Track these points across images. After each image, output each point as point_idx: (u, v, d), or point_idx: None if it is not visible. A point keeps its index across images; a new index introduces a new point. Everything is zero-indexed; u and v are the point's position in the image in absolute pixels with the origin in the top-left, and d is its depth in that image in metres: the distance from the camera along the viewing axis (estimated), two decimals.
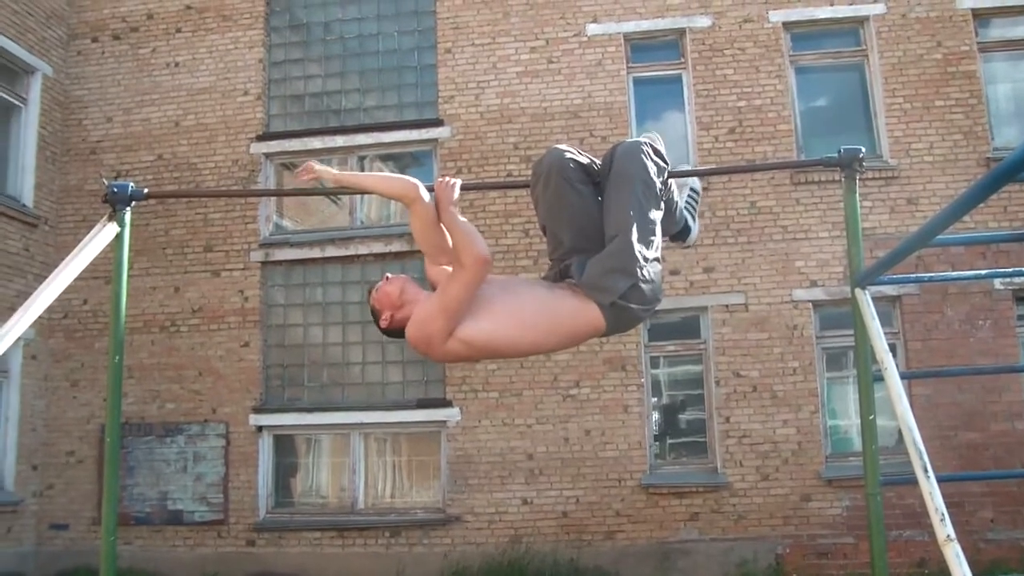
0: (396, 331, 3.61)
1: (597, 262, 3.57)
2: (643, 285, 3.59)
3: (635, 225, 3.58)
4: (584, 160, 3.77)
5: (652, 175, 3.69)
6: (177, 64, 13.89)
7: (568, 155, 3.73)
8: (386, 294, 3.58)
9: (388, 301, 3.58)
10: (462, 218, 3.61)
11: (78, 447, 13.01)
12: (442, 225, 3.64)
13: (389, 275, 3.68)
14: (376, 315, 3.63)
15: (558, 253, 3.73)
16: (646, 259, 3.59)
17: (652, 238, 3.65)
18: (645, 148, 3.73)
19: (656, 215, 3.70)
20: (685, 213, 4.21)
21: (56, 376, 13.28)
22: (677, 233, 4.23)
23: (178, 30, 14.00)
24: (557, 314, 3.55)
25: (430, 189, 3.73)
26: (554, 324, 3.56)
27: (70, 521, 12.79)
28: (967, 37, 12.37)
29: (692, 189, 4.33)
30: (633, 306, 3.60)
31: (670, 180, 3.91)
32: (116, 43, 14.12)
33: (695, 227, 4.32)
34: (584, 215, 3.65)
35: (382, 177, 3.71)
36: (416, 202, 3.62)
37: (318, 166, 3.85)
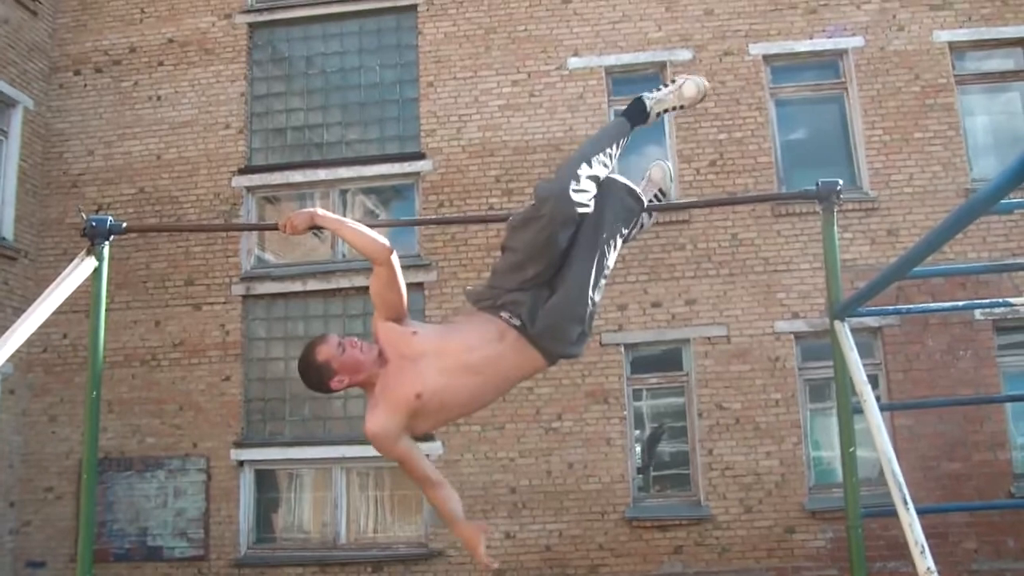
0: (328, 390, 3.63)
1: (554, 314, 3.56)
2: (588, 333, 3.69)
3: (596, 278, 3.63)
4: (586, 210, 3.64)
5: (624, 227, 3.81)
6: (159, 97, 13.88)
7: (576, 204, 3.56)
8: (355, 361, 3.56)
9: (353, 368, 3.57)
10: (352, 223, 3.73)
11: (56, 483, 12.88)
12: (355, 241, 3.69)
13: (337, 339, 3.62)
14: (328, 374, 3.57)
15: (511, 282, 3.62)
16: (595, 305, 3.66)
17: (604, 283, 3.72)
18: (629, 203, 3.82)
19: (613, 259, 3.76)
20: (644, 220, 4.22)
21: (34, 411, 13.16)
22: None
23: (160, 63, 14.01)
24: (502, 373, 3.62)
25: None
26: (500, 381, 3.65)
27: (47, 559, 12.64)
28: (944, 70, 12.50)
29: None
30: (571, 350, 3.68)
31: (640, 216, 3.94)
32: (98, 76, 14.12)
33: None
34: (559, 254, 3.63)
35: (359, 232, 3.68)
36: (385, 265, 3.61)
37: (297, 220, 3.80)
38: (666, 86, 4.02)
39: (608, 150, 3.74)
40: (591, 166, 3.64)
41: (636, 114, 3.95)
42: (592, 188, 3.60)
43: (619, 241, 3.79)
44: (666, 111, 4.01)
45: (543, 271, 3.60)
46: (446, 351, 3.54)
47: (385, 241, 3.63)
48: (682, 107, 4.01)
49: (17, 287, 12.99)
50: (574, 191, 3.51)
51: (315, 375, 3.57)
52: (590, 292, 3.60)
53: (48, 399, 13.16)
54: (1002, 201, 2.27)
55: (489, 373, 3.56)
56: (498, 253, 3.76)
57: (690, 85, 3.99)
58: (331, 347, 3.55)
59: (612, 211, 3.73)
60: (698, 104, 4.08)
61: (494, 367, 3.56)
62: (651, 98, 3.95)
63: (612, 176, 3.81)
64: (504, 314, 3.58)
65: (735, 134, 12.61)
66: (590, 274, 3.60)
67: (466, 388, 3.55)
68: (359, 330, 12.67)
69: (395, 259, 3.61)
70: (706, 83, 4.03)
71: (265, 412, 12.99)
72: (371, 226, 3.72)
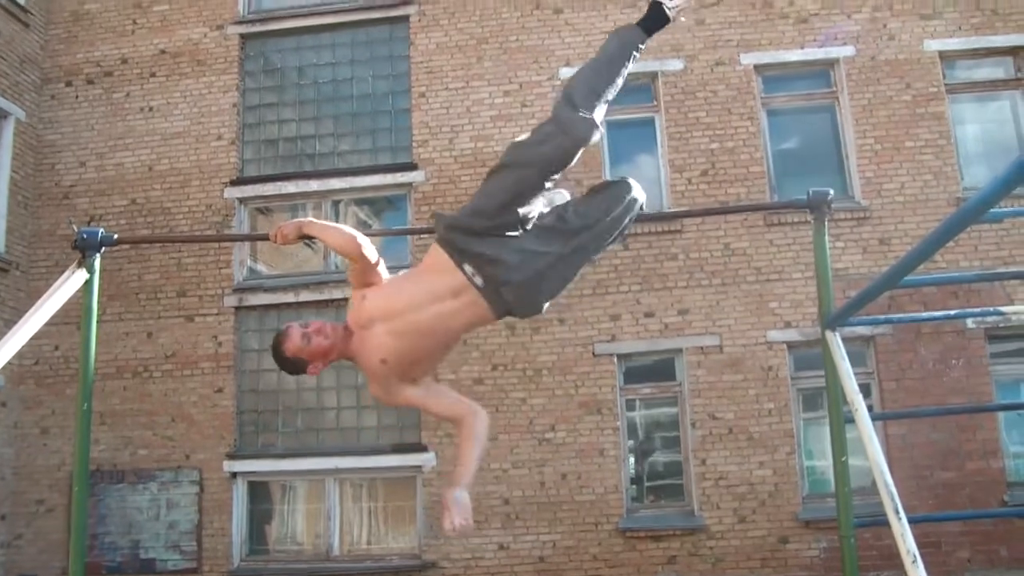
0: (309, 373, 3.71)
1: (536, 290, 3.59)
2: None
3: (581, 264, 3.75)
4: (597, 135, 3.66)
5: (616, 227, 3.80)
6: (151, 109, 13.87)
7: (594, 128, 3.61)
8: (322, 348, 3.60)
9: (323, 354, 3.62)
10: (333, 226, 3.76)
11: (48, 495, 12.83)
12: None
13: (305, 330, 3.64)
14: (302, 366, 3.65)
15: (491, 216, 3.53)
16: None
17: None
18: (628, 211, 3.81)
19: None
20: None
21: (26, 423, 13.12)
22: None
23: (152, 75, 14.00)
24: (453, 328, 3.62)
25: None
26: (452, 335, 3.67)
27: (39, 571, 12.57)
28: (935, 79, 12.54)
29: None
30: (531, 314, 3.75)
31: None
32: (90, 87, 14.11)
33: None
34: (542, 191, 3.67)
35: (330, 231, 3.69)
36: (358, 260, 3.61)
37: (287, 229, 3.79)
38: None
39: (619, 69, 3.67)
40: (600, 92, 3.61)
41: (654, 20, 3.76)
42: (599, 116, 3.60)
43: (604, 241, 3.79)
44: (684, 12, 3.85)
45: (530, 210, 3.56)
46: (393, 313, 3.53)
47: (354, 234, 3.61)
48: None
49: (8, 299, 12.95)
50: (584, 118, 3.54)
51: (290, 368, 3.66)
52: (575, 274, 3.67)
53: (40, 411, 13.12)
54: (992, 210, 2.27)
55: (440, 330, 3.55)
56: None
57: None
58: (295, 341, 3.59)
59: (610, 212, 3.73)
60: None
61: (444, 324, 3.54)
62: (674, 5, 3.74)
63: (619, 182, 3.82)
64: (468, 268, 3.51)
65: (727, 144, 12.64)
66: (580, 260, 3.65)
67: (422, 346, 3.55)
68: None
69: (365, 249, 3.58)
70: None
71: (258, 424, 12.96)
72: (366, 235, 3.72)
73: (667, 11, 3.72)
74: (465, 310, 3.54)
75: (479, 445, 3.55)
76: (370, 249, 3.58)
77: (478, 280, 3.49)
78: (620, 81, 3.65)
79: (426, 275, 3.63)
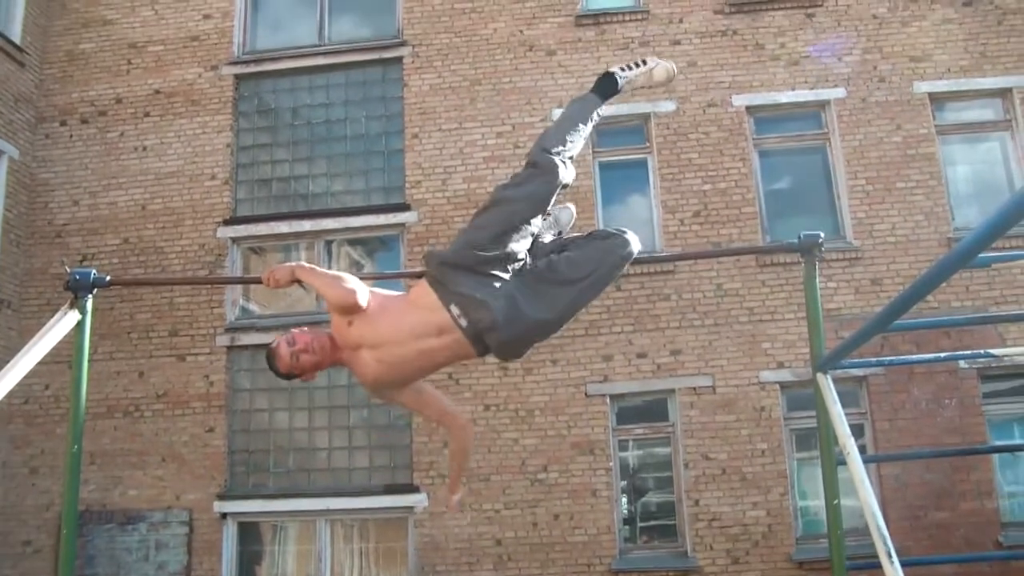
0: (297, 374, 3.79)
1: (524, 336, 3.68)
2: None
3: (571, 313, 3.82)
4: (567, 180, 3.88)
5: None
6: (145, 148, 13.91)
7: (561, 176, 3.83)
8: (313, 363, 3.75)
9: (314, 366, 3.76)
10: (327, 274, 3.85)
11: (35, 536, 12.71)
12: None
13: (287, 349, 3.73)
14: (296, 377, 3.77)
15: (480, 252, 3.60)
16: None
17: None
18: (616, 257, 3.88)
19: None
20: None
21: (15, 463, 13.03)
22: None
23: (146, 114, 14.05)
24: (436, 361, 3.76)
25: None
26: (434, 365, 3.80)
27: None
28: (925, 120, 12.63)
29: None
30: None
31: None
32: (84, 127, 14.15)
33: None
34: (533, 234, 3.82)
35: (328, 284, 3.73)
36: (354, 314, 3.68)
37: (279, 274, 3.86)
38: (638, 66, 4.10)
39: (582, 126, 3.90)
40: (567, 143, 3.84)
41: (607, 89, 4.02)
42: (570, 165, 3.83)
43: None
44: (632, 86, 4.13)
45: (520, 248, 3.65)
46: (379, 343, 3.63)
47: (351, 289, 3.64)
48: (649, 87, 4.20)
49: (0, 337, 12.91)
50: (560, 162, 3.76)
51: (285, 379, 3.80)
52: (560, 327, 3.74)
53: (28, 451, 13.03)
54: (982, 255, 2.28)
55: (425, 362, 3.69)
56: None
57: (660, 70, 4.13)
58: (285, 361, 3.71)
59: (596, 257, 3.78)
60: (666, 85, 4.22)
61: (429, 358, 3.67)
62: (623, 76, 4.02)
63: (615, 236, 3.89)
64: (454, 310, 3.57)
65: (719, 184, 12.69)
66: (567, 312, 3.70)
67: (408, 373, 3.72)
68: (344, 381, 12.61)
69: (360, 299, 3.64)
70: (675, 68, 4.17)
71: (249, 464, 12.88)
72: (361, 278, 3.74)
73: (618, 80, 3.99)
74: (448, 347, 3.64)
75: (468, 456, 4.16)
76: (364, 296, 3.64)
77: (463, 322, 3.56)
78: (583, 136, 3.92)
79: (412, 310, 3.68)
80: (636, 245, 3.85)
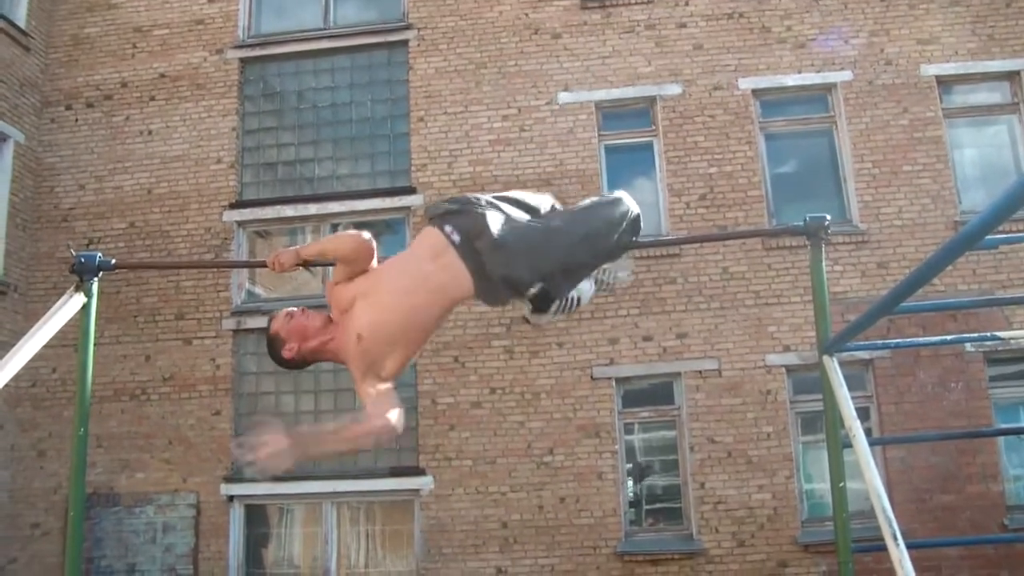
0: (297, 363, 3.68)
1: (515, 241, 3.61)
2: (550, 303, 3.81)
3: (576, 255, 3.79)
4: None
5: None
6: (150, 132, 13.91)
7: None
8: (301, 325, 3.61)
9: (300, 333, 3.61)
10: (328, 237, 3.82)
11: (44, 519, 12.78)
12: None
13: (291, 309, 3.70)
14: (279, 344, 3.63)
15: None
16: (569, 284, 3.88)
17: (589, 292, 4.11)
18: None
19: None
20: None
21: (23, 446, 13.08)
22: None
23: (152, 98, 14.04)
24: (431, 296, 3.59)
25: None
26: (430, 303, 3.60)
27: None
28: (932, 103, 12.58)
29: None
30: (510, 290, 3.71)
31: None
32: (89, 111, 14.15)
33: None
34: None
35: (333, 240, 3.75)
36: (368, 256, 3.66)
37: (284, 257, 3.81)
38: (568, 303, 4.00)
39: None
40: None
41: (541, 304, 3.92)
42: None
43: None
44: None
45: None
46: (375, 285, 3.56)
47: (355, 233, 3.65)
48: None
49: (6, 321, 12.94)
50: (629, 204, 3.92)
51: (273, 350, 3.65)
52: (564, 255, 3.65)
53: (36, 434, 13.08)
54: (989, 236, 2.28)
55: (419, 299, 3.52)
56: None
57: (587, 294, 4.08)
58: (280, 318, 3.64)
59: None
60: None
61: (424, 287, 3.53)
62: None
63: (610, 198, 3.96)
64: (447, 228, 3.59)
65: (725, 168, 12.67)
66: (563, 249, 3.66)
67: (398, 321, 3.49)
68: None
69: (373, 242, 3.64)
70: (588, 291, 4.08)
71: None
72: None
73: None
74: (442, 273, 3.54)
75: (341, 439, 3.57)
76: (368, 235, 3.64)
77: (455, 237, 3.55)
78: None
79: (411, 248, 3.77)
80: (632, 206, 3.91)
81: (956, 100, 12.89)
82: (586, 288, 4.01)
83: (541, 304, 3.76)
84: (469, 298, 3.68)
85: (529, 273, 3.59)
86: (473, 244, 3.53)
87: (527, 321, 3.97)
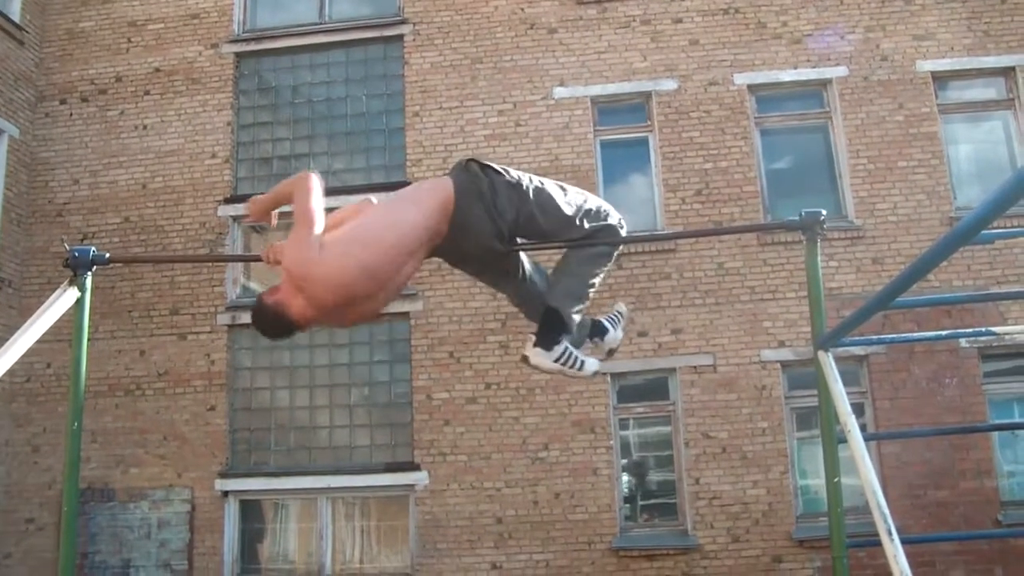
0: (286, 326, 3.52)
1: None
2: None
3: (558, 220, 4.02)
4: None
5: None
6: (145, 126, 13.88)
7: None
8: (285, 288, 3.43)
9: (286, 294, 3.44)
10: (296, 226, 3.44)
11: (38, 514, 12.76)
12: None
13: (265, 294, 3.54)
14: (283, 308, 3.45)
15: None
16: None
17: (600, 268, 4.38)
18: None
19: None
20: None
21: (17, 441, 13.06)
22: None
23: (147, 92, 14.01)
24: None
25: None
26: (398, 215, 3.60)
27: None
28: (927, 99, 12.59)
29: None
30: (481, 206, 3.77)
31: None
32: (84, 105, 14.11)
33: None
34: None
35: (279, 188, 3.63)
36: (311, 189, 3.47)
37: (279, 252, 3.62)
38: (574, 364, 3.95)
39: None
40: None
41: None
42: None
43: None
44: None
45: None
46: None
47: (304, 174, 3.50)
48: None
49: (1, 316, 12.91)
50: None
51: (279, 318, 3.48)
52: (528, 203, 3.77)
53: (31, 429, 13.06)
54: (984, 231, 2.28)
55: (387, 217, 3.54)
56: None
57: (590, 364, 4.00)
58: (267, 294, 3.47)
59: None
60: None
61: (391, 211, 3.55)
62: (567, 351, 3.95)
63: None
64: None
65: (720, 163, 12.66)
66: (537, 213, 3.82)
67: (370, 233, 3.44)
68: (345, 360, 12.68)
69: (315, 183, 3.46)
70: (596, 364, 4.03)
71: (250, 442, 12.91)
72: None
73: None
74: (414, 200, 3.63)
75: (288, 200, 3.47)
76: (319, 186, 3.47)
77: (441, 174, 3.70)
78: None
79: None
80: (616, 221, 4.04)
81: (951, 96, 12.90)
82: (591, 363, 3.97)
83: (546, 331, 3.86)
84: (442, 218, 3.66)
85: (509, 205, 3.73)
86: (453, 170, 3.75)
87: (525, 361, 3.83)
